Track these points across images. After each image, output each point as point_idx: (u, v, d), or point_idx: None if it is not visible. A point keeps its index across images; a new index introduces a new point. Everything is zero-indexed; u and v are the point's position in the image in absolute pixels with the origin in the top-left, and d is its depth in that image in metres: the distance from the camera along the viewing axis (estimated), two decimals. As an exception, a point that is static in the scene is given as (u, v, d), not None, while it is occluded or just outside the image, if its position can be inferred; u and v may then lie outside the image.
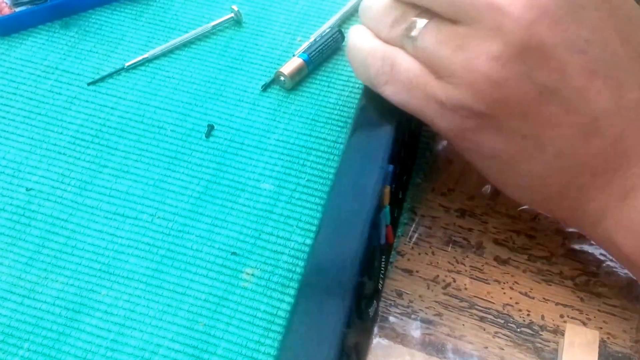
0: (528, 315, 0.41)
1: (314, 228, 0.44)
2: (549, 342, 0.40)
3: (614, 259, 0.42)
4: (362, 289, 0.35)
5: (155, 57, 0.54)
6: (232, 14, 0.56)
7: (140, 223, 0.45)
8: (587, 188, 0.36)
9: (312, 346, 0.32)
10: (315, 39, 0.53)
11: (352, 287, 0.33)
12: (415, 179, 0.47)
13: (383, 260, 0.41)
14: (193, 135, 0.49)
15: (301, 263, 0.43)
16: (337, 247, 0.35)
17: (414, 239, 0.44)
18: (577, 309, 0.41)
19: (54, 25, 0.57)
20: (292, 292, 0.42)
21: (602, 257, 0.43)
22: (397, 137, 0.39)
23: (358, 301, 0.35)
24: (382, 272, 0.41)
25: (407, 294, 0.42)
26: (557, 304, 0.41)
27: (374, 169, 0.37)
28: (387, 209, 0.39)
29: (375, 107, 0.40)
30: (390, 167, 0.38)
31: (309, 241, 0.44)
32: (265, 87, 0.52)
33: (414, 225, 0.45)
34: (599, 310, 0.41)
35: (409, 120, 0.41)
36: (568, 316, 0.41)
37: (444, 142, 0.49)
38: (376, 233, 0.38)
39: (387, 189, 0.38)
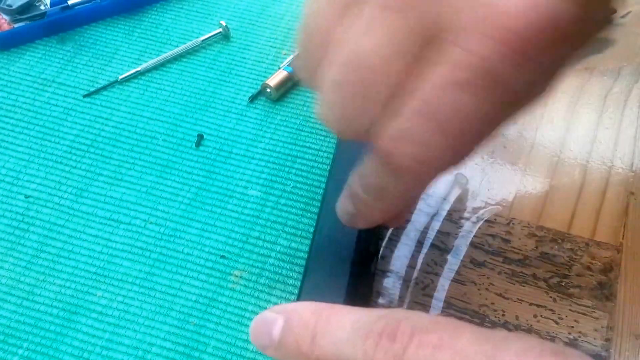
0: (503, 315, 0.42)
1: (299, 232, 0.46)
2: (521, 338, 0.41)
3: (583, 262, 0.44)
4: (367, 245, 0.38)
5: (148, 71, 0.56)
6: (221, 29, 0.57)
7: (134, 228, 0.46)
8: None
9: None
10: (300, 53, 0.55)
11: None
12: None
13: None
14: (183, 144, 0.51)
15: (287, 266, 0.44)
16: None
17: (393, 242, 0.45)
18: (550, 309, 0.43)
19: (50, 40, 0.58)
20: (279, 293, 0.43)
21: (573, 261, 0.44)
22: None
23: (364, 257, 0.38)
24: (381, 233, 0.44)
25: (387, 294, 0.43)
26: (530, 304, 0.43)
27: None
28: None
29: None
30: None
31: (294, 245, 0.45)
32: (252, 99, 0.53)
33: (393, 229, 0.46)
34: (570, 310, 0.42)
35: None
36: (541, 316, 0.42)
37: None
38: None
39: None
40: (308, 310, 0.29)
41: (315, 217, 0.46)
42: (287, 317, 0.29)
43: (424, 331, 0.26)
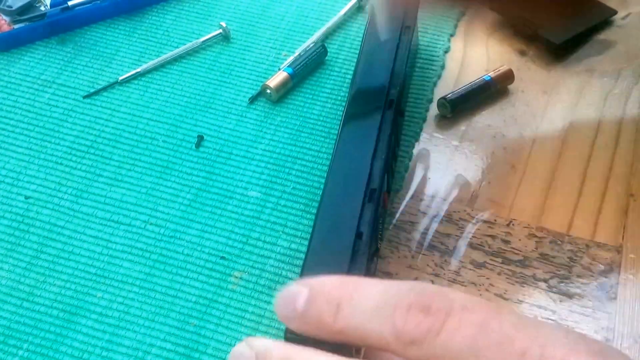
0: (503, 315, 0.43)
1: (299, 233, 0.46)
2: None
3: (583, 263, 0.44)
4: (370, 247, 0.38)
5: (148, 72, 0.56)
6: (221, 30, 0.58)
7: (134, 229, 0.46)
8: None
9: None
10: (299, 54, 0.55)
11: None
12: (395, 185, 0.48)
13: (381, 222, 0.43)
14: (183, 145, 0.51)
15: (287, 267, 0.44)
16: (342, 206, 0.39)
17: (394, 243, 0.46)
18: (550, 310, 0.43)
19: (51, 41, 0.58)
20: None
21: (573, 262, 0.45)
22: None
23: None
24: (381, 233, 0.44)
25: (387, 295, 0.43)
26: (531, 305, 0.43)
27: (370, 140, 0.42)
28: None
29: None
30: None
31: (294, 246, 0.45)
32: (252, 100, 0.54)
33: (394, 230, 0.46)
34: (570, 311, 0.43)
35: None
36: (541, 317, 0.42)
37: (423, 149, 0.51)
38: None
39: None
40: (333, 282, 0.28)
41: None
42: (311, 289, 0.28)
43: (464, 309, 0.24)
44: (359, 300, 0.26)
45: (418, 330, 0.24)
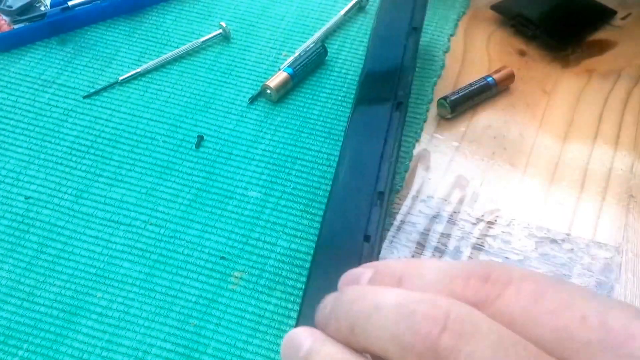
0: (503, 315, 0.43)
1: (299, 233, 0.46)
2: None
3: (584, 263, 0.44)
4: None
5: (148, 72, 0.56)
6: (221, 30, 0.58)
7: (134, 229, 0.46)
8: None
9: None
10: (299, 54, 0.55)
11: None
12: (396, 186, 0.48)
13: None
14: (184, 145, 0.51)
15: (287, 267, 0.44)
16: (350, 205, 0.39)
17: (394, 244, 0.46)
18: (550, 310, 0.43)
19: (51, 41, 0.58)
20: (279, 294, 0.43)
21: (573, 262, 0.45)
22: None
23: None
24: (382, 234, 0.43)
25: (387, 295, 0.43)
26: (530, 304, 0.43)
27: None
28: None
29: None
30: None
31: (294, 246, 0.45)
32: (252, 100, 0.54)
33: (394, 231, 0.46)
34: (570, 311, 0.43)
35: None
36: (541, 316, 0.42)
37: (423, 149, 0.51)
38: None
39: None
40: (396, 261, 0.28)
41: (316, 218, 0.46)
42: (376, 269, 0.28)
43: (524, 279, 0.23)
44: (419, 274, 0.26)
45: (477, 297, 0.23)
